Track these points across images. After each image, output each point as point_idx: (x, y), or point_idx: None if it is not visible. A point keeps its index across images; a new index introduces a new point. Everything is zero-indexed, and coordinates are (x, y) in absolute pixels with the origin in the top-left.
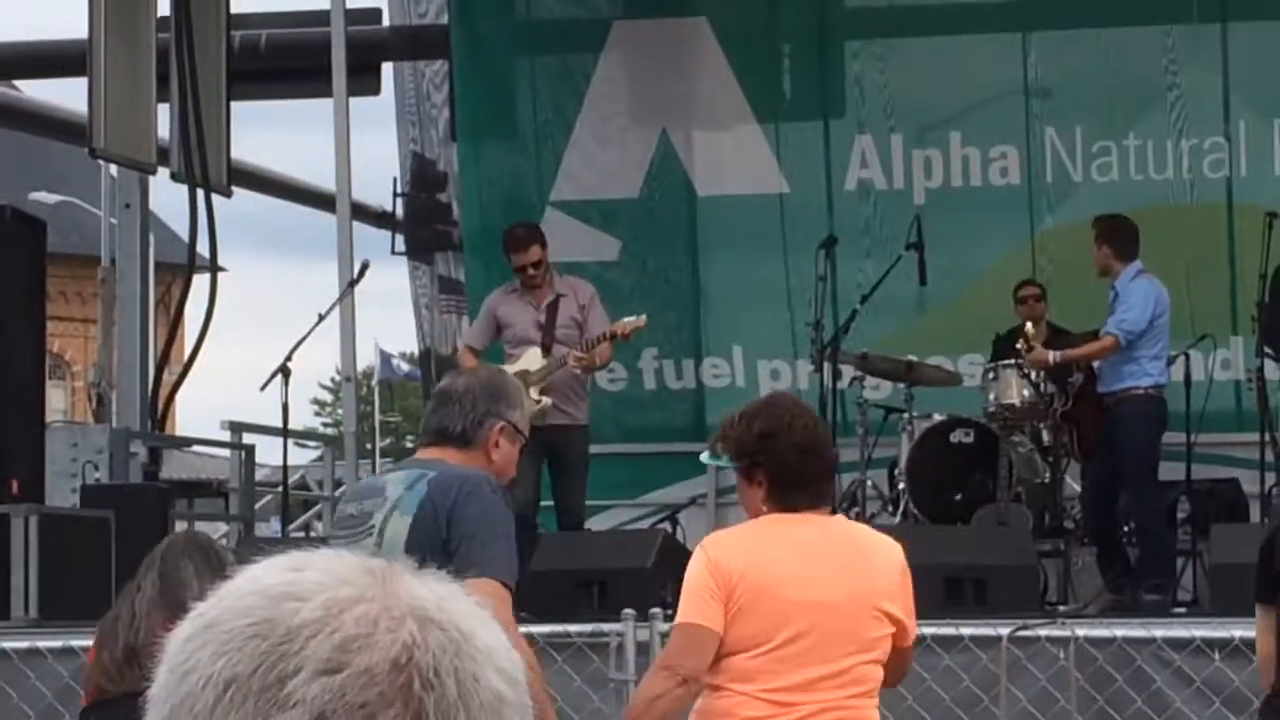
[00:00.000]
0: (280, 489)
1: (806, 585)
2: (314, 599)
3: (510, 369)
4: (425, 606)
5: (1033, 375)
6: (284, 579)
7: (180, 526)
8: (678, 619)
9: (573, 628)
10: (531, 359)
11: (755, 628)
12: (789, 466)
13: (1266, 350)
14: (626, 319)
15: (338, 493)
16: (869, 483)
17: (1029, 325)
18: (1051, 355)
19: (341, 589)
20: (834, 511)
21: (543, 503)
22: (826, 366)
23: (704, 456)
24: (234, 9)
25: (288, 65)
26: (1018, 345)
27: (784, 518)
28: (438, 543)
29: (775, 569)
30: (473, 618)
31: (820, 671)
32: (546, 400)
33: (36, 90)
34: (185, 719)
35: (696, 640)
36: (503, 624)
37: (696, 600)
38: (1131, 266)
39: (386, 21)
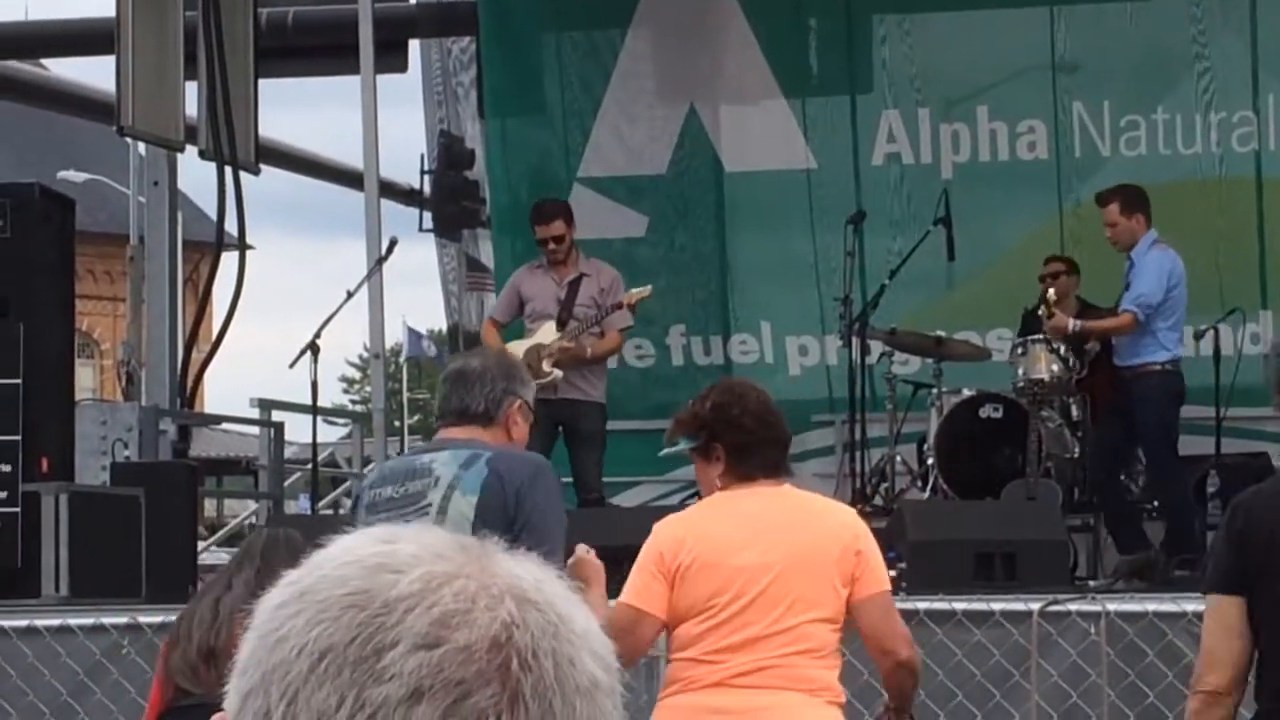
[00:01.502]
0: (309, 466)
1: (748, 550)
2: (411, 571)
3: (527, 342)
4: (523, 586)
5: (1061, 350)
6: (379, 550)
7: (210, 505)
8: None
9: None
10: (546, 332)
11: (697, 596)
12: (746, 431)
13: None
14: (633, 290)
15: (366, 470)
16: (898, 458)
17: (1050, 291)
18: (1071, 324)
19: (438, 564)
20: (853, 492)
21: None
22: (855, 342)
23: (663, 452)
24: None
25: (315, 43)
26: (1039, 312)
27: (734, 493)
28: (505, 522)
29: (718, 539)
30: (569, 601)
31: (757, 631)
32: (557, 372)
33: (64, 69)
34: (278, 687)
35: (626, 622)
36: None
37: (637, 580)
38: (1149, 235)
39: None
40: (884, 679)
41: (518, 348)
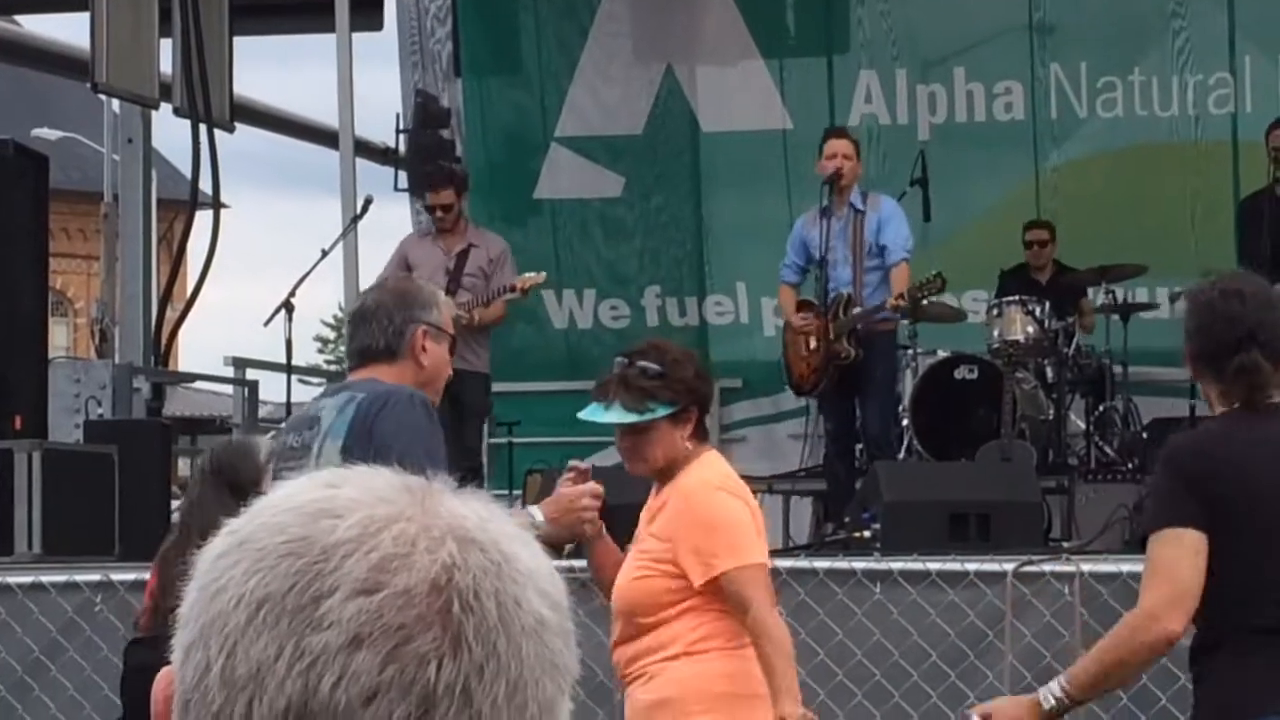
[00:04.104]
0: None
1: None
2: (350, 516)
3: None
4: (466, 526)
5: (1037, 311)
6: (320, 495)
7: (183, 463)
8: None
9: (577, 564)
10: None
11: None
12: (710, 400)
13: None
14: (527, 274)
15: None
16: None
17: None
18: None
19: (379, 507)
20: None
21: None
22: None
23: (587, 412)
24: None
25: (290, 0)
26: None
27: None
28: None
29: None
30: (515, 539)
31: None
32: None
33: (38, 25)
34: (217, 639)
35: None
36: None
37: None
38: None
39: None
40: None
41: None
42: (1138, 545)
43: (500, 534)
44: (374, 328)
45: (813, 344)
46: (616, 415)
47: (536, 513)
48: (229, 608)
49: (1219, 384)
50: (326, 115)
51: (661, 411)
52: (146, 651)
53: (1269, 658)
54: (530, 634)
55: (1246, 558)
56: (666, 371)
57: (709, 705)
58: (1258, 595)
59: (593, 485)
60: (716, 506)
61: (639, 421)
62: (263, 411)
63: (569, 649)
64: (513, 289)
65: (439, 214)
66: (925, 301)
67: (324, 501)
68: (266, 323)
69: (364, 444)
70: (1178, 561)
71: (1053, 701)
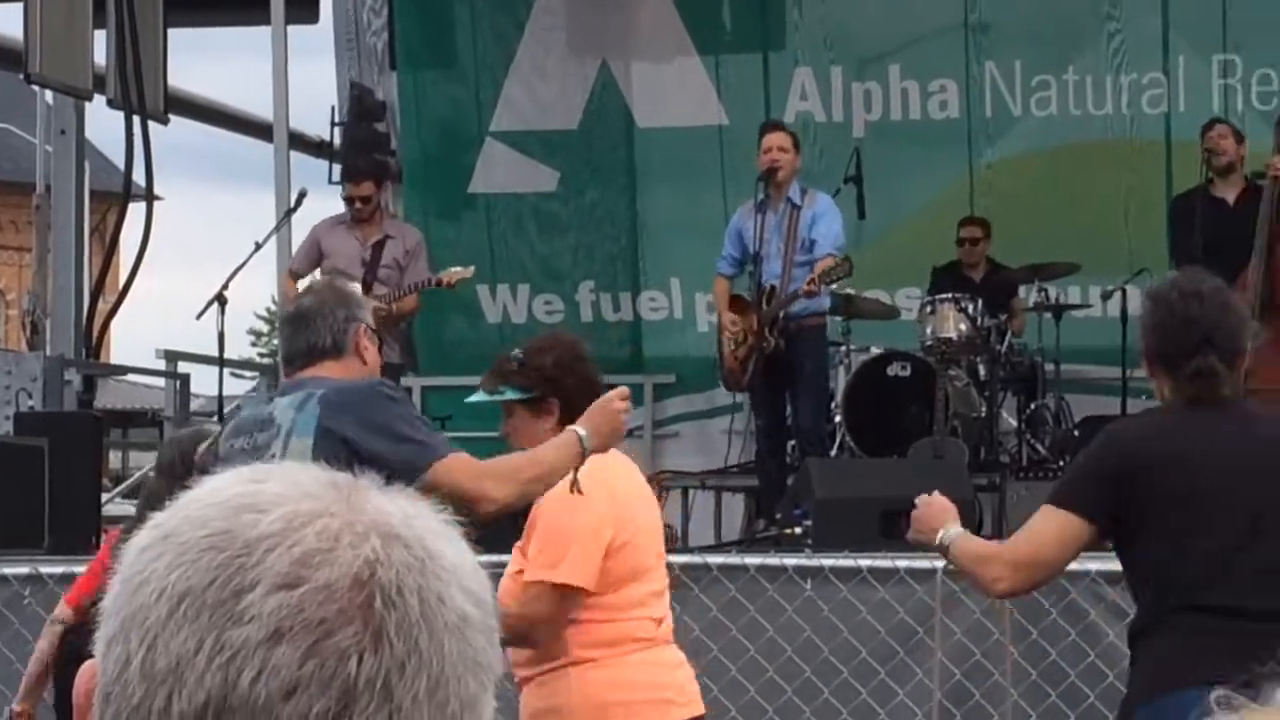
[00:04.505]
0: (216, 418)
1: (647, 510)
2: (274, 511)
3: None
4: (390, 522)
5: (970, 309)
6: (244, 490)
7: (115, 456)
8: None
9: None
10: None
11: (639, 560)
12: (584, 395)
13: None
14: (454, 268)
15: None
16: None
17: None
18: None
19: (304, 502)
20: None
21: None
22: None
23: (474, 397)
24: None
25: None
26: None
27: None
28: (341, 461)
29: (635, 508)
30: (440, 535)
31: (662, 586)
32: None
33: None
34: (138, 633)
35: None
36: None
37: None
38: None
39: None
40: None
41: None
42: None
43: (425, 530)
44: (319, 326)
45: (741, 338)
46: (475, 397)
47: (581, 430)
48: (150, 601)
49: (1173, 381)
50: (261, 108)
51: (510, 394)
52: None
53: (1198, 632)
54: (453, 630)
55: (1182, 544)
56: (525, 359)
57: (594, 715)
58: (1191, 579)
59: (621, 389)
60: (550, 515)
61: (483, 401)
62: (195, 405)
63: (492, 646)
64: (439, 283)
65: (357, 205)
66: (833, 284)
67: (248, 496)
68: (199, 315)
69: (336, 441)
70: (1045, 536)
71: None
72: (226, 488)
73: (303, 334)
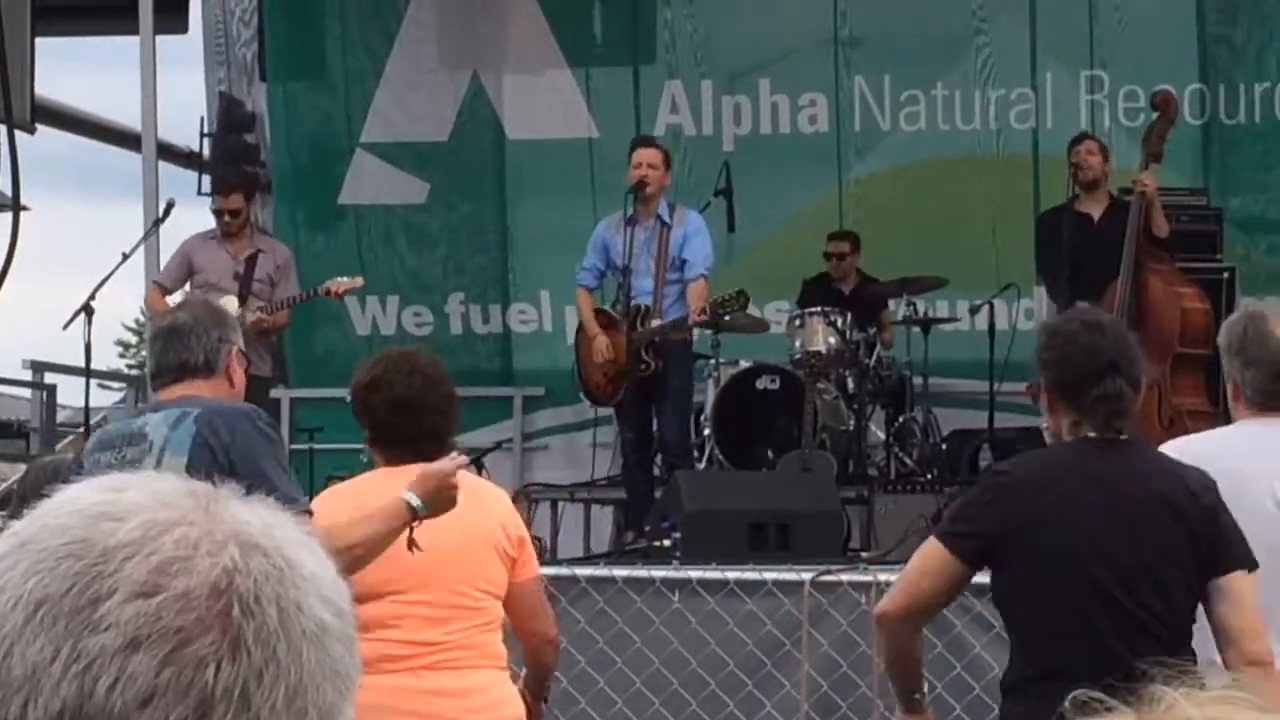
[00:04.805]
0: (82, 430)
1: (428, 529)
2: (132, 519)
3: None
4: (250, 531)
5: (839, 322)
6: (103, 499)
7: None
8: None
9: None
10: (229, 305)
11: (387, 574)
12: (382, 422)
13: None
14: (342, 278)
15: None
16: None
17: None
18: None
19: (162, 511)
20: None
21: None
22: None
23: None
24: None
25: (94, 1)
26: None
27: (392, 470)
28: (215, 481)
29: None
30: (299, 545)
31: (445, 612)
32: None
33: None
34: None
35: None
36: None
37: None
38: None
39: None
40: (530, 657)
41: None
42: None
43: (284, 540)
44: (193, 343)
45: (608, 353)
46: None
47: (412, 497)
48: (6, 609)
49: (1074, 414)
50: (130, 118)
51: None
52: None
53: (1060, 697)
54: (311, 639)
55: (1055, 601)
56: (352, 393)
57: None
58: (1059, 639)
59: (456, 457)
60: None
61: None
62: (61, 416)
63: (351, 655)
64: (327, 292)
65: (226, 218)
66: (727, 317)
67: (107, 505)
68: (66, 326)
69: (213, 459)
70: (923, 570)
71: None
72: (85, 496)
73: (175, 349)
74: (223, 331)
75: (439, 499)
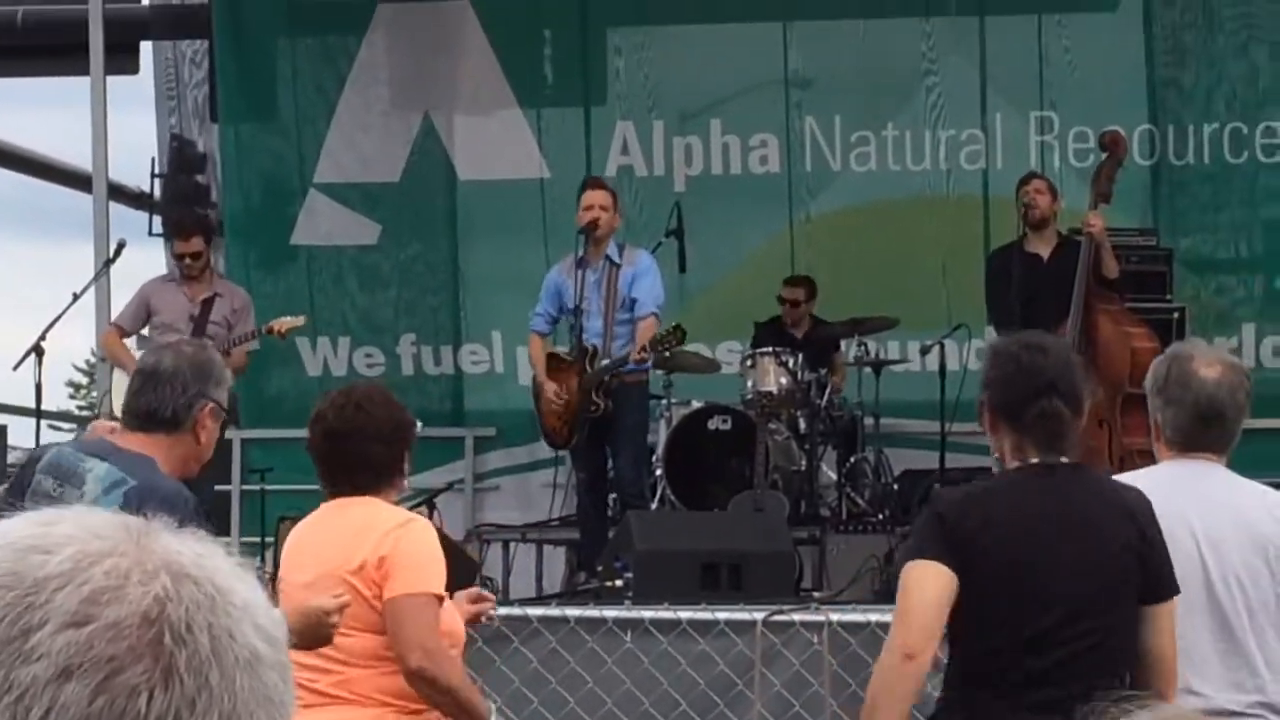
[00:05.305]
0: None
1: (301, 570)
2: (62, 551)
3: None
4: (181, 561)
5: (790, 363)
6: (33, 532)
7: None
8: None
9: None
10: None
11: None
12: (318, 454)
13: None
14: (285, 317)
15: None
16: None
17: None
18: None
19: (93, 542)
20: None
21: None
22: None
23: None
24: None
25: (45, 42)
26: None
27: (340, 503)
28: None
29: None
30: (231, 574)
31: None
32: None
33: None
34: None
35: None
36: None
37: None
38: None
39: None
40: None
41: None
42: (887, 596)
43: (216, 569)
44: (165, 393)
45: (558, 398)
46: None
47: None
48: None
49: (1015, 435)
50: (80, 158)
51: None
52: None
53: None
54: (245, 667)
55: (990, 622)
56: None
57: None
58: (992, 662)
59: (341, 597)
60: None
61: None
62: (11, 457)
63: (285, 683)
64: (270, 331)
65: (187, 261)
66: (668, 353)
67: (37, 538)
68: (16, 366)
69: None
70: (919, 596)
71: None
72: (15, 530)
73: (146, 396)
74: (201, 386)
75: (309, 636)
